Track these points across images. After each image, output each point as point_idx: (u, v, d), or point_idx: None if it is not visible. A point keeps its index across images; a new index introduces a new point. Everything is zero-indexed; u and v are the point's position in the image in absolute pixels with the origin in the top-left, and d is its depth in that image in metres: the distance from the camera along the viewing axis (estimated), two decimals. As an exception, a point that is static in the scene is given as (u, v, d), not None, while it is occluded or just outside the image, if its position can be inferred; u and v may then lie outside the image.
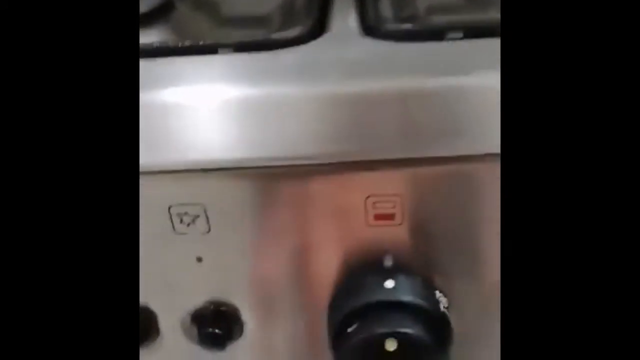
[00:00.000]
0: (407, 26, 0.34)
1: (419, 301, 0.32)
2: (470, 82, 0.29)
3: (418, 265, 0.33)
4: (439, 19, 0.42)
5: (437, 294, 0.33)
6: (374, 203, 0.32)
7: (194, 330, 0.36)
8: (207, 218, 0.32)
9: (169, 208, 0.32)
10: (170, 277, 0.35)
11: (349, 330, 0.32)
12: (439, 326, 0.32)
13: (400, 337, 0.31)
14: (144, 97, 0.31)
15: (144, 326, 0.36)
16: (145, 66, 0.33)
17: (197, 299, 0.35)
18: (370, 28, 0.34)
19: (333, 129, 0.30)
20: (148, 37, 0.42)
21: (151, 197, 0.32)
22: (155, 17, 0.44)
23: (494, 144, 0.27)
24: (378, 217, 0.32)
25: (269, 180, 0.32)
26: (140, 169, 0.31)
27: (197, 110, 0.30)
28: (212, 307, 0.36)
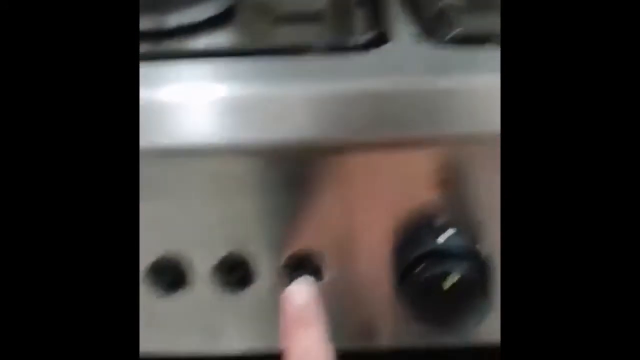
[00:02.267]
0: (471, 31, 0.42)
1: (466, 250, 0.41)
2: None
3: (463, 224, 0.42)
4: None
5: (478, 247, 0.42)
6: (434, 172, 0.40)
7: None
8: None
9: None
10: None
11: (416, 270, 0.40)
12: (483, 270, 0.41)
13: (458, 275, 0.39)
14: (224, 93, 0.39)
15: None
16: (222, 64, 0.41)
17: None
18: (432, 32, 0.43)
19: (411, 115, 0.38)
20: (215, 39, 0.48)
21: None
22: (219, 21, 0.49)
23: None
24: (436, 184, 0.41)
25: (342, 155, 0.40)
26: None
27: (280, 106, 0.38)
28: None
